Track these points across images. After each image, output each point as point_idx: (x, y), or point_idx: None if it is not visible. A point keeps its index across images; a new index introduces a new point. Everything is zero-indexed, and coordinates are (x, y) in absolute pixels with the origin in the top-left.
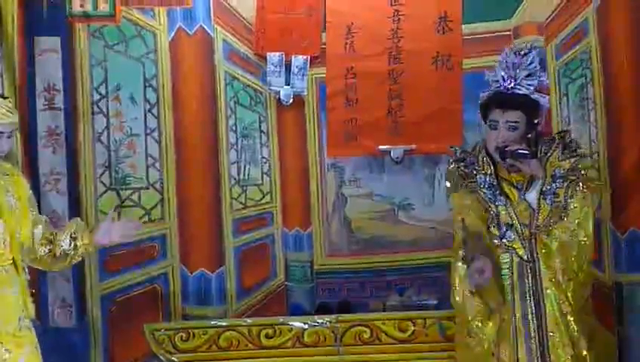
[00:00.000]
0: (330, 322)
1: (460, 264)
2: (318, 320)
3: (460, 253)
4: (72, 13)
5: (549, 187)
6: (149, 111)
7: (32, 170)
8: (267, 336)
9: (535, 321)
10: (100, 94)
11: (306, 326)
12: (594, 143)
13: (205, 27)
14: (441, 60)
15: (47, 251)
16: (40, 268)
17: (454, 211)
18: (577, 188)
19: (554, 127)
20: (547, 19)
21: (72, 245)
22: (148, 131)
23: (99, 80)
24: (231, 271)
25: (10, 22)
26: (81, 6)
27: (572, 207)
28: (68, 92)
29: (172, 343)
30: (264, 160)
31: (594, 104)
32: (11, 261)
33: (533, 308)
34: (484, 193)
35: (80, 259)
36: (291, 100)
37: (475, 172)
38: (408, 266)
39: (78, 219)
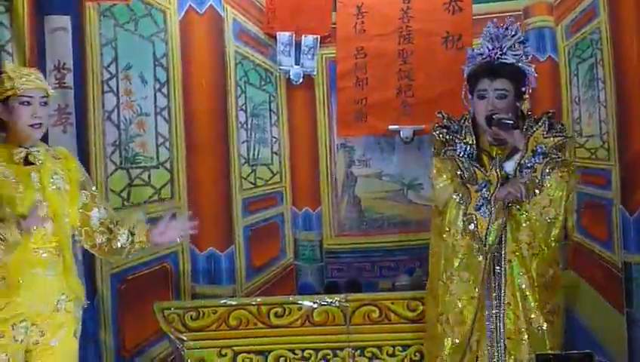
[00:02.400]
0: (339, 301)
1: (456, 200)
2: (328, 300)
3: (455, 197)
4: None
5: (527, 161)
6: (159, 90)
7: None
8: (276, 315)
9: (496, 290)
10: (110, 73)
11: (316, 306)
12: (603, 123)
13: (215, 6)
14: (452, 40)
15: (104, 240)
16: (98, 255)
17: (435, 173)
18: (556, 168)
19: (563, 108)
20: None
21: (130, 240)
22: (158, 110)
23: (109, 59)
24: (240, 250)
25: (21, 1)
26: None
27: (547, 184)
28: (78, 71)
29: (182, 322)
30: (274, 139)
31: (603, 84)
32: (55, 243)
33: (495, 276)
34: (462, 161)
35: (136, 254)
36: (301, 80)
37: (456, 140)
38: (417, 246)
39: (141, 213)
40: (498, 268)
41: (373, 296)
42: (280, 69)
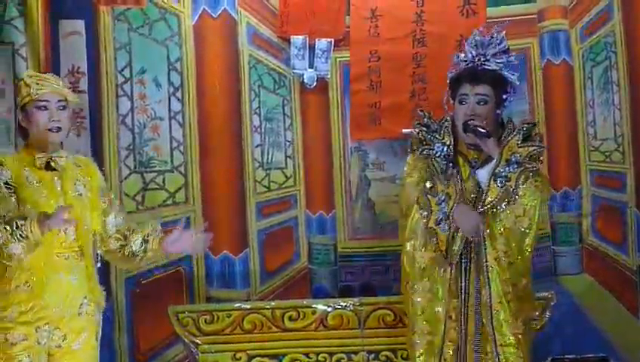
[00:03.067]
0: (353, 305)
1: (418, 216)
2: (342, 303)
3: (416, 209)
4: None
5: (501, 170)
6: (173, 94)
7: None
8: (291, 319)
9: (476, 298)
10: (124, 77)
11: (330, 309)
12: (617, 126)
13: (229, 10)
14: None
15: (118, 246)
16: (111, 261)
17: (406, 171)
18: (530, 177)
19: (578, 111)
20: (572, 2)
21: (143, 248)
22: (172, 114)
23: (123, 63)
24: (255, 254)
25: (35, 5)
26: None
27: (521, 193)
28: (92, 75)
29: (196, 325)
30: (288, 143)
31: (618, 87)
32: (77, 248)
33: (472, 284)
34: (437, 162)
35: (148, 262)
36: (315, 83)
37: (434, 139)
38: None
39: (158, 224)
40: (482, 276)
41: (388, 299)
42: (294, 72)
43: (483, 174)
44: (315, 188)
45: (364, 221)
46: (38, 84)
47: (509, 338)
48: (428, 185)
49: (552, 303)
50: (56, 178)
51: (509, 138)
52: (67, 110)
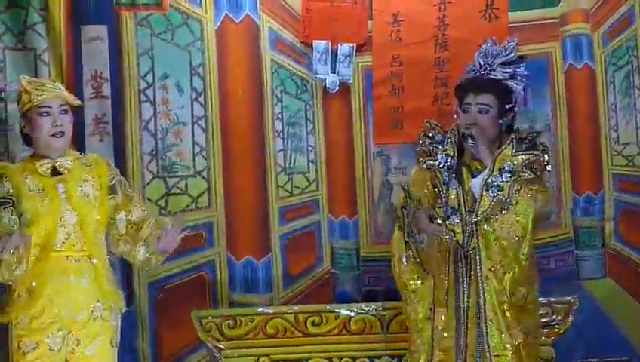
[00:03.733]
0: (376, 309)
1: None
2: (365, 308)
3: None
4: (119, 2)
5: (493, 179)
6: (196, 99)
7: None
8: (313, 324)
9: (474, 309)
10: (147, 82)
11: (353, 314)
12: None
13: (251, 15)
14: None
15: (129, 249)
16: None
17: (410, 183)
18: (524, 186)
19: (600, 115)
20: (594, 6)
21: (149, 251)
22: (194, 119)
23: (146, 68)
24: (277, 259)
25: (57, 11)
26: None
27: (514, 202)
28: (115, 80)
29: (219, 330)
30: (310, 148)
31: None
32: (85, 251)
33: (468, 294)
34: (441, 173)
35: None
36: (337, 88)
37: (438, 151)
38: None
39: (162, 220)
40: (475, 287)
41: None
42: (316, 77)
43: (475, 184)
44: (337, 192)
45: (387, 225)
46: (37, 90)
47: (503, 348)
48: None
49: (574, 307)
50: (59, 183)
51: (503, 147)
52: (69, 114)
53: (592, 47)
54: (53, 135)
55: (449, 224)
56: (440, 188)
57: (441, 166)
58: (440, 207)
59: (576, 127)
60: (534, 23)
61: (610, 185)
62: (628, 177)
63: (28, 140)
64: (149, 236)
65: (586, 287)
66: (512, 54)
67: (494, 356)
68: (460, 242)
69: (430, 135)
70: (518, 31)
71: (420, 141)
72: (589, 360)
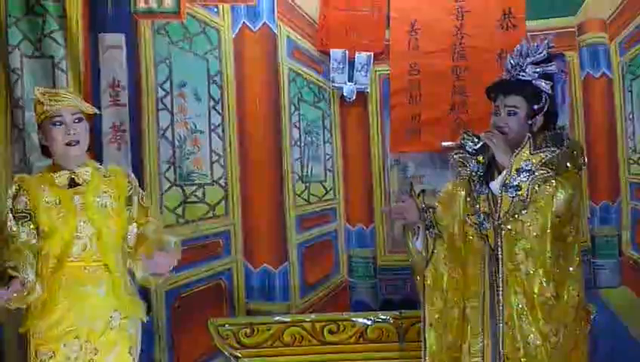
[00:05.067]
0: (393, 318)
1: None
2: (382, 316)
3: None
4: (137, 10)
5: (512, 180)
6: (213, 107)
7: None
8: (331, 332)
9: (499, 310)
10: (165, 91)
11: (370, 322)
12: None
13: (269, 24)
14: (506, 57)
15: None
16: None
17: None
18: (543, 184)
19: (617, 124)
20: (611, 15)
21: (143, 276)
22: (212, 127)
23: (163, 76)
24: (294, 267)
25: (75, 19)
26: (146, 3)
27: (533, 199)
28: (132, 88)
29: (236, 338)
30: (327, 156)
31: None
32: (101, 261)
33: (498, 297)
34: (473, 181)
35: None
36: (354, 97)
37: (469, 159)
38: None
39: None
40: (498, 287)
41: None
42: (333, 86)
43: (495, 186)
44: (354, 201)
45: (404, 234)
46: (51, 100)
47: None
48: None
49: (591, 316)
50: (76, 195)
51: (521, 147)
52: (83, 122)
53: (609, 56)
54: (67, 143)
55: (482, 230)
56: (473, 197)
57: (473, 174)
58: (473, 214)
59: (594, 135)
60: (552, 32)
61: (627, 194)
62: None
63: (46, 151)
64: (133, 261)
65: (603, 296)
66: (543, 53)
67: (507, 358)
68: (491, 245)
69: (462, 145)
70: (536, 40)
71: (454, 153)
72: None
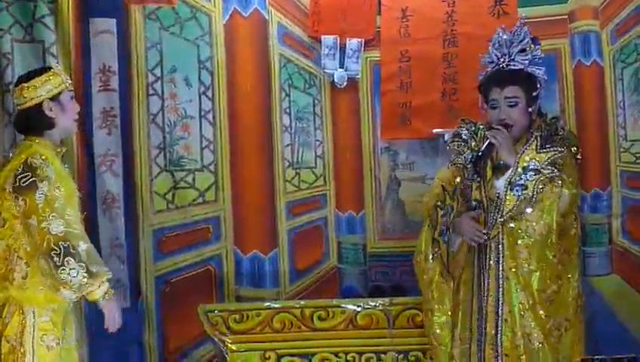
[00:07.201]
0: (383, 305)
1: (427, 228)
2: (371, 303)
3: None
4: None
5: (517, 178)
6: (204, 93)
7: (87, 152)
8: (320, 318)
9: (494, 304)
10: (155, 76)
11: (359, 309)
12: None
13: (260, 10)
14: None
15: None
16: None
17: (436, 181)
18: (548, 183)
19: (608, 112)
20: (602, 3)
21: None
22: (202, 113)
23: (154, 62)
24: (284, 254)
25: (66, 3)
26: None
27: (539, 199)
28: (123, 74)
29: (225, 324)
30: (318, 142)
31: None
32: None
33: (492, 290)
34: (467, 169)
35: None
36: (345, 83)
37: (464, 147)
38: None
39: None
40: (496, 285)
41: (417, 299)
42: (324, 72)
43: (500, 183)
44: (344, 187)
45: (394, 221)
46: (64, 75)
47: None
48: (469, 182)
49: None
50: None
51: (527, 145)
52: None
53: (600, 44)
54: (75, 120)
55: (444, 222)
56: (465, 184)
57: (467, 162)
58: (466, 201)
59: (584, 123)
60: (543, 19)
61: (617, 182)
62: (635, 174)
63: (47, 125)
64: None
65: (593, 284)
66: (527, 40)
67: (505, 355)
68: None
69: (459, 133)
70: (527, 27)
71: (450, 141)
72: (595, 356)
